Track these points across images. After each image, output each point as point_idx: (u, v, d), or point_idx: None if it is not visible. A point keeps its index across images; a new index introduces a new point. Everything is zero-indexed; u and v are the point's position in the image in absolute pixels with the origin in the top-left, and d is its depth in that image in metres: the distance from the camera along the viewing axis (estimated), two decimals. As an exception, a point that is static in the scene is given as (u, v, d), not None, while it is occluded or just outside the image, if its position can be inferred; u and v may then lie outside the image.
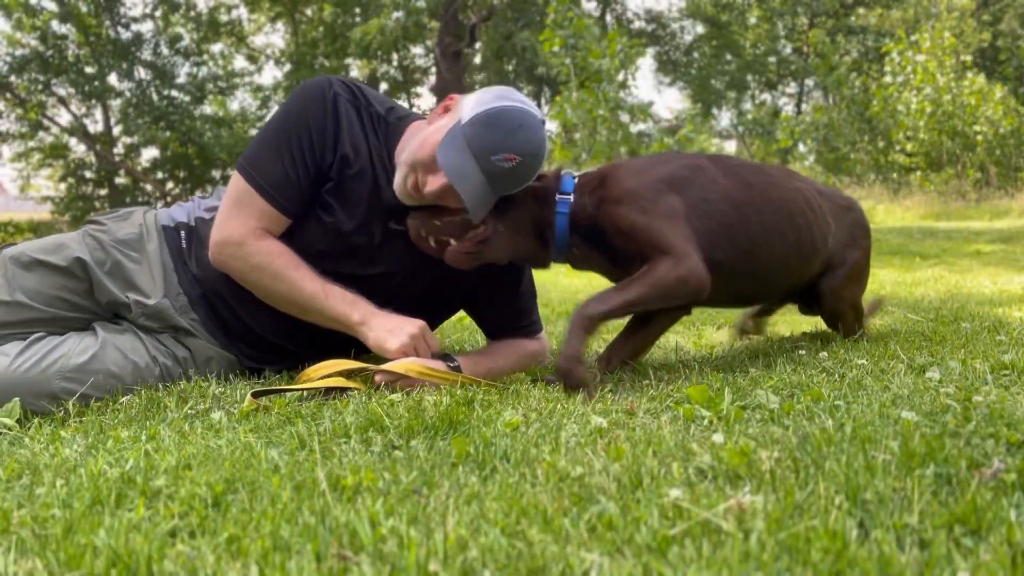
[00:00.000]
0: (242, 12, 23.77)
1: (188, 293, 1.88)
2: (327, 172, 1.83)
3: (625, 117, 13.59)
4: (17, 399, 1.55)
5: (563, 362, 1.60)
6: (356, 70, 23.52)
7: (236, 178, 1.82)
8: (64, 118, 21.35)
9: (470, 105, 1.71)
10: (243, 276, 1.81)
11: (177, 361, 1.84)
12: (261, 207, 1.78)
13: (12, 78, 19.63)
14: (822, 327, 2.46)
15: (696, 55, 25.67)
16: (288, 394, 1.65)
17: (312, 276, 1.79)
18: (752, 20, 24.27)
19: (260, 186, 1.78)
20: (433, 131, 1.73)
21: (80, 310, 1.79)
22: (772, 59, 24.39)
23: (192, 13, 21.96)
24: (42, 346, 1.67)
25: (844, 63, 15.56)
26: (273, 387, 1.70)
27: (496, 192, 1.71)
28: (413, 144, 1.75)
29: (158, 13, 21.55)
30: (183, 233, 1.92)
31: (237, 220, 1.79)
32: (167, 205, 2.17)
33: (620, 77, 12.48)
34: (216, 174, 22.61)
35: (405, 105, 2.27)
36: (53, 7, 19.67)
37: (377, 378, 1.70)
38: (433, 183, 1.70)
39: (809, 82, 23.87)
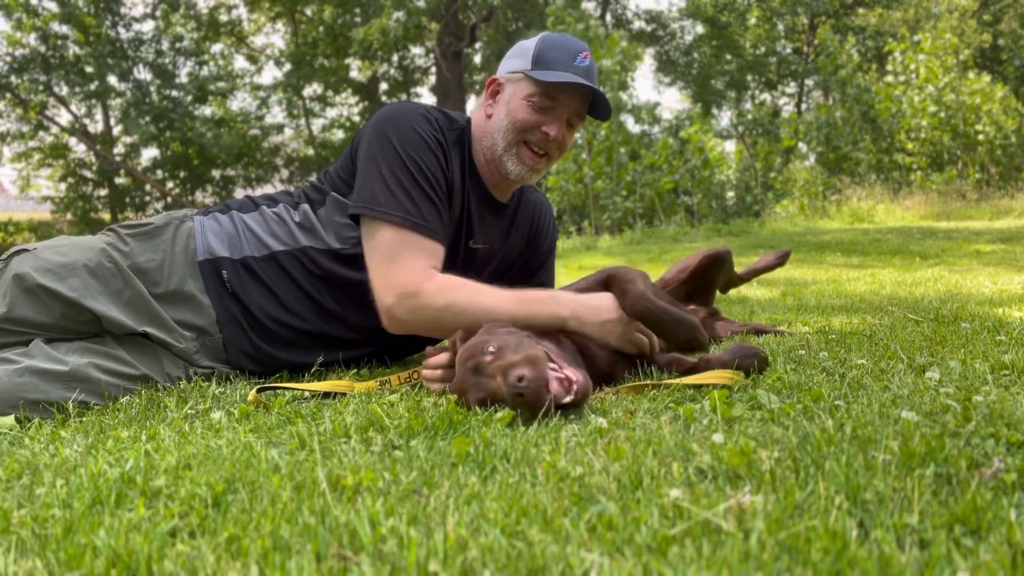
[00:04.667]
0: (242, 12, 23.78)
1: (227, 335, 1.80)
2: (448, 192, 1.83)
3: (625, 117, 13.61)
4: (12, 416, 1.51)
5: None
6: (356, 70, 23.52)
7: (383, 228, 1.70)
8: (64, 118, 21.37)
9: (516, 63, 1.84)
10: (434, 323, 1.68)
11: (188, 377, 1.80)
12: (423, 246, 1.70)
13: (12, 78, 19.64)
14: (820, 326, 2.46)
15: (696, 55, 25.66)
16: (288, 394, 1.65)
17: (494, 291, 1.69)
18: (752, 20, 24.26)
19: (416, 224, 1.69)
20: (509, 103, 1.83)
21: (85, 332, 1.70)
22: (772, 59, 24.38)
23: (192, 13, 21.96)
24: (45, 351, 1.61)
25: (850, 61, 15.56)
26: (278, 384, 1.69)
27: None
28: (498, 129, 1.83)
29: (158, 13, 21.56)
30: (225, 273, 1.81)
31: (403, 269, 1.67)
32: (169, 206, 2.12)
33: (619, 78, 12.51)
34: (216, 174, 22.62)
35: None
36: (53, 7, 19.68)
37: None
38: (553, 127, 1.81)
39: (809, 82, 23.86)
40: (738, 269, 2.58)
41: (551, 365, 1.40)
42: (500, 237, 2.03)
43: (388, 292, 1.68)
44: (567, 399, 1.35)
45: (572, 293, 1.71)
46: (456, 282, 1.69)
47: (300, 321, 1.85)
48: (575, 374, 1.40)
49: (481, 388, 1.41)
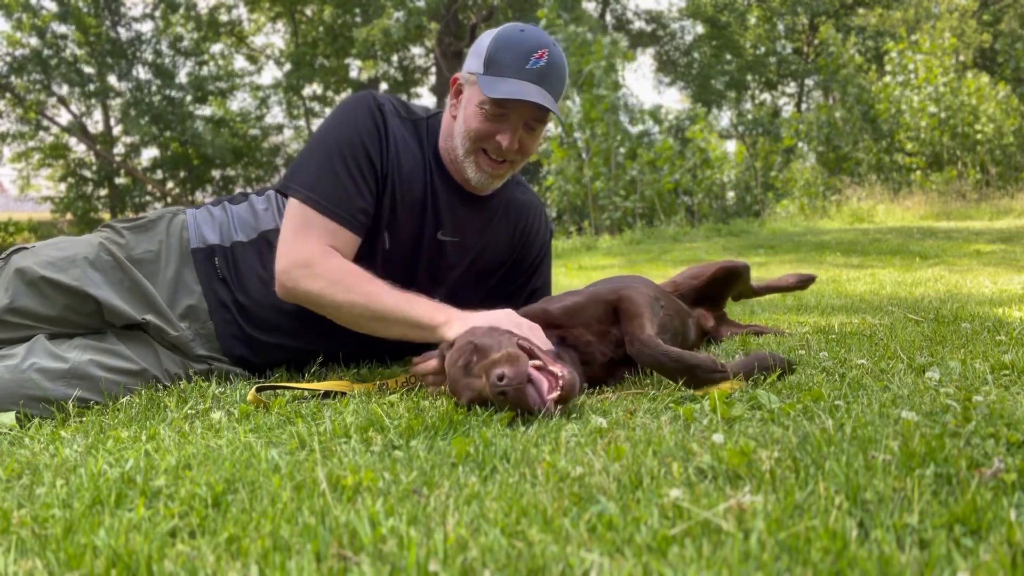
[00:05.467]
0: (242, 12, 23.78)
1: (217, 321, 1.82)
2: (383, 184, 1.79)
3: (623, 117, 13.61)
4: (12, 414, 1.52)
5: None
6: (357, 70, 23.52)
7: (293, 204, 1.74)
8: (64, 118, 21.37)
9: (473, 62, 1.77)
10: (317, 298, 1.69)
11: (187, 377, 1.80)
12: (326, 226, 1.71)
13: (12, 78, 19.64)
14: (820, 326, 2.46)
15: (696, 55, 25.66)
16: (288, 394, 1.65)
17: (388, 287, 1.70)
18: (752, 20, 24.26)
19: (321, 205, 1.70)
20: (466, 108, 1.77)
21: (87, 325, 1.72)
22: (772, 59, 24.39)
23: (192, 13, 21.96)
24: (46, 348, 1.62)
25: (852, 61, 15.54)
26: (277, 383, 1.70)
27: (554, 92, 1.75)
28: (458, 133, 1.79)
29: (158, 13, 21.56)
30: (216, 260, 1.84)
31: (301, 243, 1.70)
32: (169, 204, 2.13)
33: (610, 79, 12.51)
34: (216, 174, 22.63)
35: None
36: (53, 7, 19.68)
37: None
38: (505, 137, 1.74)
39: (809, 82, 23.87)
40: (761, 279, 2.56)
41: (536, 361, 1.40)
42: (476, 231, 1.97)
43: (283, 258, 1.72)
44: (553, 395, 1.35)
45: (457, 309, 1.66)
46: (349, 266, 1.71)
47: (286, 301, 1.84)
48: (561, 369, 1.39)
49: (470, 388, 1.41)
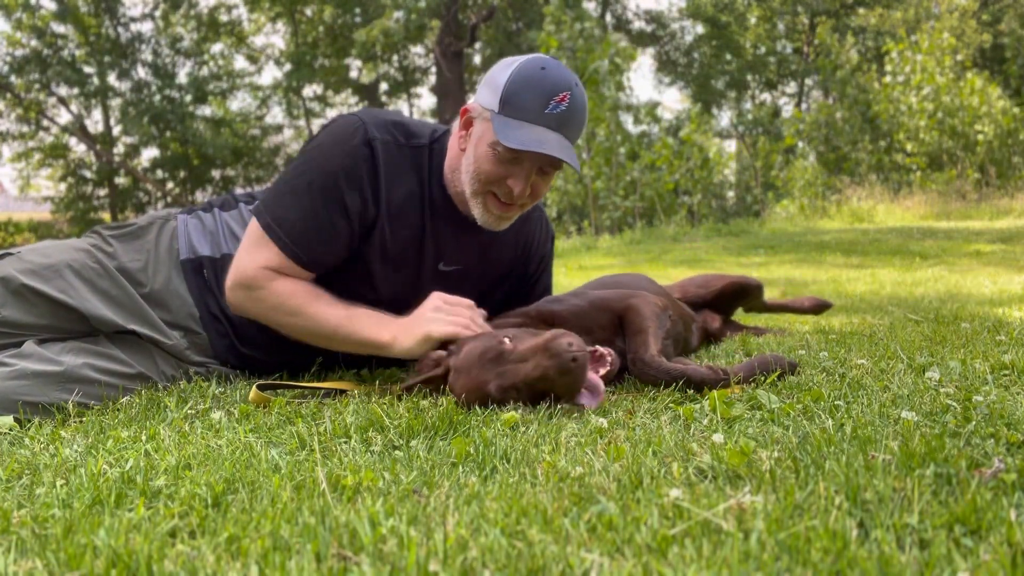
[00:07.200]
0: (242, 12, 23.78)
1: (211, 332, 1.80)
2: (367, 225, 1.73)
3: (624, 117, 13.59)
4: (10, 416, 1.50)
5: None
6: (358, 71, 23.52)
7: (254, 224, 1.70)
8: (64, 118, 21.37)
9: (487, 95, 1.65)
10: (263, 318, 1.71)
11: (187, 375, 1.79)
12: (279, 256, 1.67)
13: (12, 78, 19.65)
14: (821, 324, 2.46)
15: (696, 55, 25.67)
16: (288, 395, 1.65)
17: (333, 304, 1.68)
18: (752, 20, 24.27)
19: (280, 240, 1.66)
20: (476, 146, 1.67)
21: (76, 330, 1.69)
22: (772, 59, 24.39)
23: (192, 13, 21.97)
24: (37, 352, 1.59)
25: (850, 61, 15.55)
26: (279, 382, 1.69)
27: (573, 137, 1.66)
28: (466, 171, 1.70)
29: (158, 13, 21.57)
30: (206, 271, 1.81)
31: (249, 264, 1.68)
32: (169, 205, 2.08)
33: (616, 78, 12.50)
34: (216, 174, 22.64)
35: (404, 108, 2.23)
36: (53, 7, 19.69)
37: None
38: (516, 183, 1.65)
39: (809, 82, 23.88)
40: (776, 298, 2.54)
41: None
42: (478, 256, 1.90)
43: (231, 276, 1.71)
44: (604, 370, 1.44)
45: (400, 320, 1.67)
46: (292, 286, 1.69)
47: None
48: (604, 348, 1.48)
49: (508, 376, 1.41)
